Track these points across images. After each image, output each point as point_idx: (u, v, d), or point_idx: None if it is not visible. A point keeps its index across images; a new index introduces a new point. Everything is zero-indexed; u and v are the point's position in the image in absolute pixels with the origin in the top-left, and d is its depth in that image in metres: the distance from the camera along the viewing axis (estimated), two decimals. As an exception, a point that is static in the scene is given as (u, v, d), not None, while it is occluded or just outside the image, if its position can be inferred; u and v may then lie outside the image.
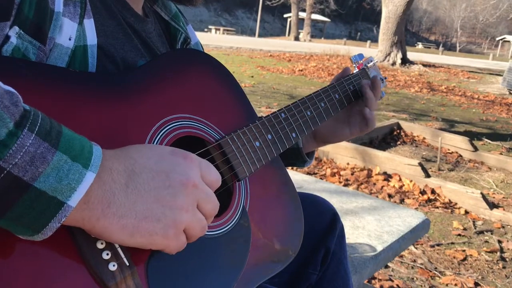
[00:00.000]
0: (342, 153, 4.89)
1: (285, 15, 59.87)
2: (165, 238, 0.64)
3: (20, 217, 0.52)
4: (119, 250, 0.65)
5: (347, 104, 1.25)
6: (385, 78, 1.48)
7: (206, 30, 46.41)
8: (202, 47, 1.23)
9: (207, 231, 0.80)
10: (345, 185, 4.24)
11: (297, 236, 0.97)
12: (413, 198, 4.11)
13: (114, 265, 0.64)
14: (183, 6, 1.14)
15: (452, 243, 3.37)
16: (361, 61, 1.38)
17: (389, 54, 16.93)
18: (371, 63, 1.40)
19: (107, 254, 0.64)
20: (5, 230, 0.54)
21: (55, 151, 0.53)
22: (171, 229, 0.64)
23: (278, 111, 1.03)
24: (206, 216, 0.70)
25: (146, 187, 0.62)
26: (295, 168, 4.36)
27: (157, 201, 0.63)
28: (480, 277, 2.91)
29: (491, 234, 3.59)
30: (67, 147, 0.55)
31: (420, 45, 65.75)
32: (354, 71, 1.36)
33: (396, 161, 4.59)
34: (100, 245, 0.64)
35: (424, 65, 18.63)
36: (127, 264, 0.66)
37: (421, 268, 2.93)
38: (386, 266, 2.88)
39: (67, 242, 0.62)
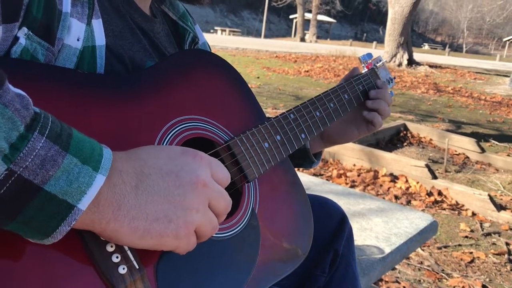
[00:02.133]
0: (348, 154, 4.87)
1: (291, 16, 59.87)
2: (176, 239, 0.64)
3: (30, 220, 0.52)
4: (129, 253, 0.65)
5: (356, 104, 1.24)
6: (394, 78, 1.47)
7: (212, 31, 46.46)
8: (209, 47, 1.23)
9: (217, 233, 0.79)
10: (351, 187, 4.23)
11: (307, 237, 0.96)
12: (420, 200, 4.09)
13: (124, 268, 0.64)
14: (190, 5, 1.14)
15: (459, 245, 3.35)
16: (370, 61, 1.37)
17: (395, 55, 16.89)
18: (380, 63, 1.38)
19: (117, 257, 0.64)
20: (15, 234, 0.54)
21: (65, 154, 0.53)
22: (183, 230, 0.64)
23: (287, 111, 1.03)
24: (218, 214, 0.69)
25: (156, 188, 0.62)
26: (301, 169, 4.36)
27: (168, 202, 0.62)
28: (487, 280, 2.89)
29: (499, 236, 3.57)
30: (77, 149, 0.54)
31: (426, 46, 65.56)
32: (363, 71, 1.34)
33: (402, 163, 4.57)
34: (110, 248, 0.64)
35: (431, 66, 18.57)
36: (137, 267, 0.66)
37: (428, 270, 2.92)
38: (393, 268, 2.87)
39: (76, 245, 0.62)
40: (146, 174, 0.62)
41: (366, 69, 1.35)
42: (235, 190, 0.88)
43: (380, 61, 1.39)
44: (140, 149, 0.66)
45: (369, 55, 1.38)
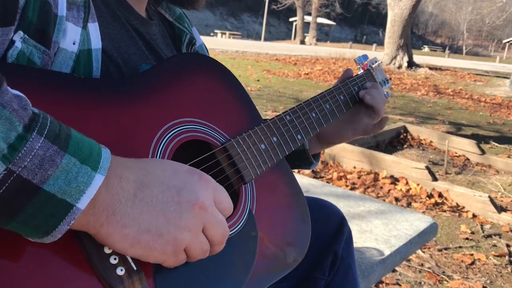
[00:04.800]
0: (348, 156, 4.87)
1: (291, 19, 59.92)
2: (163, 254, 0.64)
3: (30, 219, 0.52)
4: None
5: (352, 105, 1.25)
6: (390, 79, 1.47)
7: (212, 34, 46.54)
8: (206, 49, 1.23)
9: None
10: (351, 189, 4.22)
11: (304, 240, 0.96)
12: (420, 202, 4.08)
13: (122, 270, 0.64)
14: (186, 10, 1.14)
15: (460, 247, 3.35)
16: (366, 62, 1.37)
17: (395, 57, 16.91)
18: (376, 64, 1.39)
19: (115, 259, 0.64)
20: (13, 234, 0.55)
21: (64, 154, 0.54)
22: (170, 246, 0.63)
23: (283, 113, 1.03)
24: (213, 242, 0.68)
25: (154, 200, 0.62)
26: (301, 171, 4.35)
27: (162, 216, 0.62)
28: (488, 281, 2.89)
29: (499, 238, 3.56)
30: (76, 149, 0.55)
31: (426, 48, 65.61)
32: (359, 72, 1.35)
33: (403, 165, 4.57)
34: (107, 250, 0.64)
35: (431, 68, 18.58)
36: (135, 268, 0.66)
37: (428, 272, 2.91)
38: (394, 270, 2.86)
39: (75, 247, 0.62)
40: (146, 185, 0.62)
41: (362, 71, 1.35)
42: (232, 192, 0.88)
43: (376, 62, 1.39)
44: (146, 160, 0.67)
45: (365, 57, 1.38)
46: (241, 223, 0.85)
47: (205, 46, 1.23)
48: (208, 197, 0.66)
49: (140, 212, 0.61)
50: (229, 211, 0.70)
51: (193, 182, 0.65)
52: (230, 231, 0.82)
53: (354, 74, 1.33)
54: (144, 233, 0.61)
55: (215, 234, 0.67)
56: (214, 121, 0.88)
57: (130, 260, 0.65)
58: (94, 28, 0.79)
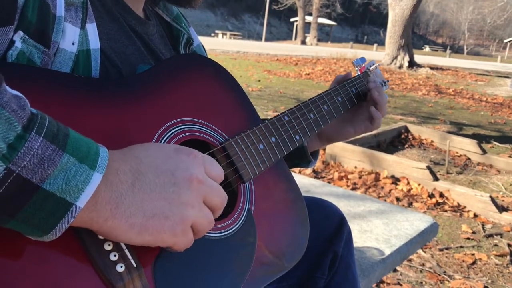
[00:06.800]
0: (349, 156, 4.87)
1: (292, 19, 59.98)
2: (173, 236, 0.65)
3: (29, 218, 0.53)
4: (126, 251, 0.66)
5: (350, 106, 1.26)
6: (388, 81, 1.48)
7: (213, 34, 46.53)
8: (204, 49, 1.24)
9: (214, 233, 0.80)
10: (352, 189, 4.22)
11: (302, 242, 0.96)
12: (422, 202, 4.08)
13: (121, 266, 0.65)
14: (184, 8, 1.15)
15: (461, 246, 3.34)
16: (363, 65, 1.39)
17: (396, 57, 16.92)
18: (373, 66, 1.40)
19: (115, 256, 0.65)
20: (13, 232, 0.55)
21: (62, 153, 0.54)
22: (179, 226, 0.65)
23: (281, 114, 1.04)
24: (214, 209, 0.70)
25: (152, 186, 0.63)
26: (302, 171, 4.35)
27: (163, 199, 0.64)
28: (489, 281, 2.89)
29: (501, 237, 3.56)
30: (74, 149, 0.56)
31: (427, 48, 65.59)
32: (357, 74, 1.36)
33: (404, 165, 4.56)
34: (107, 247, 0.64)
35: (432, 68, 18.58)
36: (135, 265, 0.66)
37: (430, 272, 2.91)
38: (395, 270, 2.86)
39: (74, 244, 0.63)
40: (142, 173, 0.63)
41: (360, 73, 1.36)
42: (231, 191, 0.89)
43: (373, 64, 1.40)
44: (137, 146, 0.68)
45: (362, 59, 1.40)
46: (240, 222, 0.85)
47: (202, 46, 1.23)
48: (201, 171, 0.68)
49: (142, 200, 0.62)
50: (221, 176, 0.72)
51: (183, 160, 0.67)
52: (230, 229, 0.83)
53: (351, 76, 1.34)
54: (150, 219, 0.62)
55: (216, 202, 0.70)
56: (213, 121, 0.88)
57: (130, 257, 0.66)
58: (92, 29, 0.79)
